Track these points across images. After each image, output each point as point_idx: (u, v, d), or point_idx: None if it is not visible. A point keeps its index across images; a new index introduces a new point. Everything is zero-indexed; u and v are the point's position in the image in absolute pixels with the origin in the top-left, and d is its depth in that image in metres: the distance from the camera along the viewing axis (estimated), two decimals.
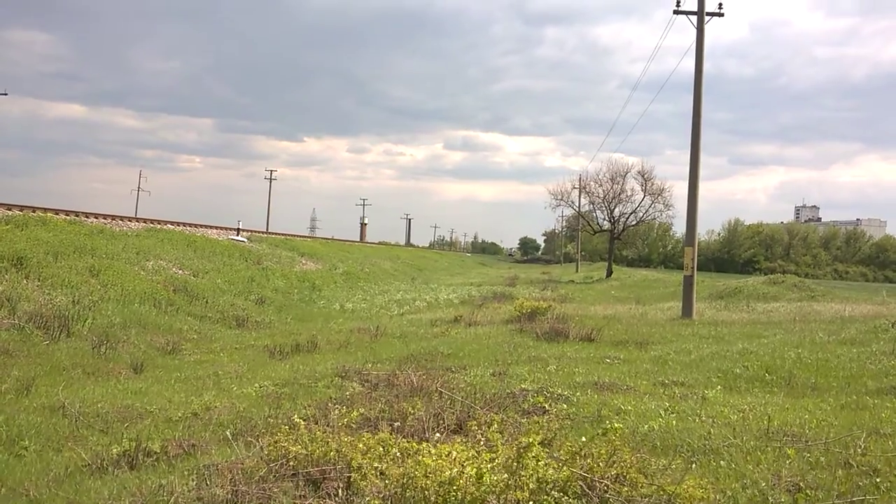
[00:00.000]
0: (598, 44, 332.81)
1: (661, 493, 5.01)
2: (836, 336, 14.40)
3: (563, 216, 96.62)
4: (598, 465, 5.22)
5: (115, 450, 6.80)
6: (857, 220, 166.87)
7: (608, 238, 60.80)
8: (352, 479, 5.00)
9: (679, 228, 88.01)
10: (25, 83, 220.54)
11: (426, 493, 4.53)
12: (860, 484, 5.63)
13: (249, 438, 6.81)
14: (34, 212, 25.70)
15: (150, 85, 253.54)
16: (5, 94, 52.57)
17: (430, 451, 5.01)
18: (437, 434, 5.84)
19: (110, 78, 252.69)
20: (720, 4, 21.98)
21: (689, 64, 22.21)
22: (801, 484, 5.62)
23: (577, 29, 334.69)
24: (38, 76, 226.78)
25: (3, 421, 8.09)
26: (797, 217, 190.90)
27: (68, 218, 26.45)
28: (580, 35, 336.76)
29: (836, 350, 12.58)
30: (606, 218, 58.55)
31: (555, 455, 5.30)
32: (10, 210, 24.70)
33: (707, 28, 21.68)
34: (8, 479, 6.27)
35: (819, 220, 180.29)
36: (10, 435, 7.70)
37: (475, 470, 4.68)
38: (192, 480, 5.34)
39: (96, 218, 29.61)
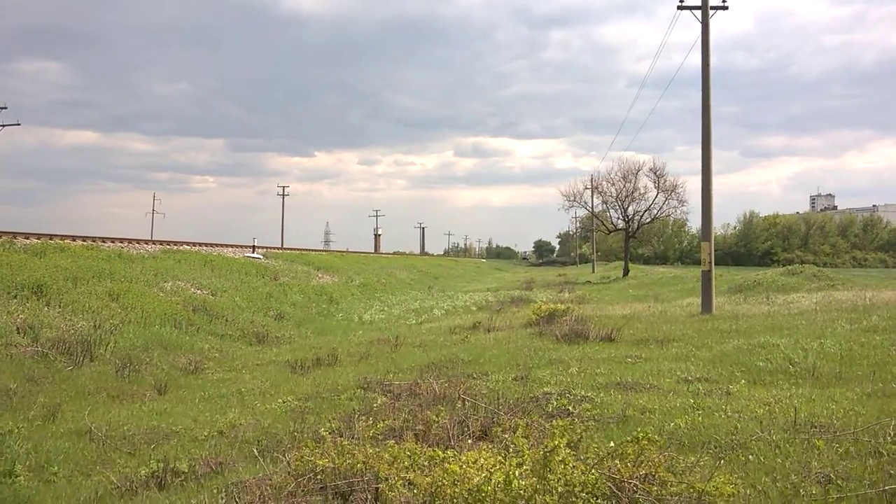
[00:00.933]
0: (604, 44, 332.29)
1: (691, 490, 4.99)
2: (859, 324, 14.28)
3: (576, 217, 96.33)
4: (626, 466, 5.21)
5: (143, 471, 6.84)
6: (874, 206, 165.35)
7: (623, 237, 60.61)
8: (380, 490, 5.00)
9: (694, 224, 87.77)
10: (38, 113, 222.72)
11: (455, 500, 4.53)
12: (891, 472, 5.57)
13: (276, 454, 6.83)
14: (52, 239, 25.95)
15: (161, 108, 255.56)
16: (18, 125, 53.11)
17: (457, 459, 5.02)
18: (469, 440, 5.83)
19: (121, 103, 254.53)
20: None
21: (696, 59, 22.22)
22: (831, 475, 5.57)
23: (582, 30, 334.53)
24: (50, 105, 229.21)
25: (31, 447, 8.16)
26: (813, 206, 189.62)
27: (85, 244, 26.70)
28: (585, 36, 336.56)
29: (859, 339, 12.47)
30: (620, 217, 58.44)
31: (582, 457, 5.29)
32: (27, 238, 24.95)
33: (712, 21, 21.60)
34: None
35: (835, 208, 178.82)
36: (39, 461, 7.76)
37: (503, 476, 4.67)
38: (222, 499, 5.37)
39: (113, 242, 29.86)
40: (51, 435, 8.96)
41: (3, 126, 51.13)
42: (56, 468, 7.60)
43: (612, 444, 5.61)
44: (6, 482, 7.01)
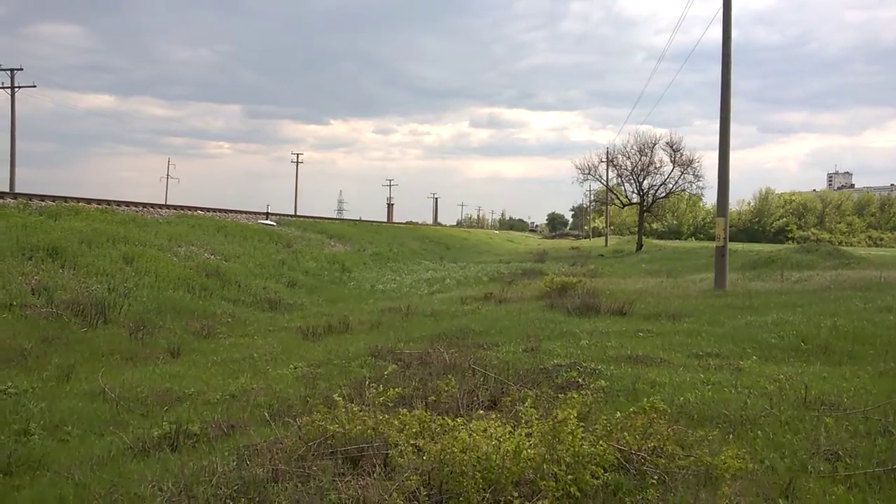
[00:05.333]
0: (624, 16, 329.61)
1: (699, 464, 5.00)
2: (873, 304, 14.20)
3: (590, 190, 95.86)
4: (635, 438, 5.23)
5: (155, 432, 6.91)
6: (892, 185, 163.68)
7: (637, 211, 60.35)
8: (389, 456, 5.04)
9: (709, 199, 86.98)
10: (56, 75, 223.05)
11: (464, 468, 4.56)
12: None
13: (287, 419, 6.88)
14: (66, 202, 26.10)
15: (178, 73, 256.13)
16: (34, 87, 53.28)
17: (466, 428, 5.04)
18: (481, 412, 5.85)
19: (138, 68, 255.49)
20: None
21: (716, 32, 21.89)
22: (840, 452, 5.57)
23: (602, 1, 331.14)
24: (68, 68, 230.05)
25: (45, 407, 8.26)
26: (830, 184, 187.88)
27: (100, 207, 26.84)
28: (605, 7, 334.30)
29: (873, 317, 12.41)
30: (635, 191, 58.06)
31: (590, 429, 5.31)
32: (43, 201, 25.10)
33: None
34: (53, 464, 6.40)
35: (852, 186, 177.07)
36: (53, 421, 7.85)
37: (513, 445, 4.70)
38: (233, 460, 5.42)
39: (127, 206, 29.99)
40: (65, 395, 9.06)
41: (20, 87, 51.23)
42: (70, 428, 7.68)
43: (618, 414, 5.63)
44: (21, 440, 7.10)
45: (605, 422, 5.44)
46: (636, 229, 64.84)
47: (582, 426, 5.10)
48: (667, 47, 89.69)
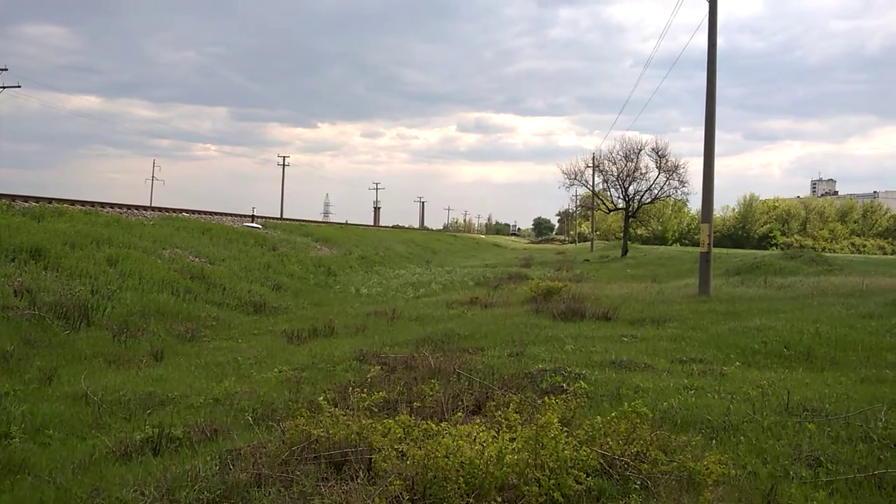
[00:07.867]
0: (612, 23, 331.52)
1: (682, 469, 5.03)
2: (855, 310, 14.31)
3: (576, 195, 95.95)
4: (618, 444, 5.24)
5: (138, 436, 6.87)
6: (875, 192, 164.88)
7: (623, 216, 60.45)
8: (373, 461, 5.03)
9: (694, 205, 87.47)
10: (42, 76, 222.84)
11: (447, 473, 4.56)
12: (881, 457, 5.62)
13: (271, 423, 6.87)
14: (50, 203, 25.91)
15: (165, 75, 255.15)
16: (19, 87, 52.92)
17: (449, 432, 5.04)
18: (460, 414, 5.86)
19: (126, 69, 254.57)
20: None
21: (703, 40, 21.97)
22: (821, 458, 5.62)
23: (591, 8, 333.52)
24: (55, 69, 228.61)
25: (27, 410, 8.19)
26: (813, 191, 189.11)
27: (84, 209, 26.66)
28: (593, 14, 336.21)
29: (855, 324, 12.51)
30: (621, 196, 58.11)
31: (574, 434, 5.33)
32: (26, 202, 24.92)
33: (720, 2, 21.44)
34: (34, 467, 6.35)
35: (836, 193, 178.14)
36: (35, 424, 7.79)
37: (496, 450, 4.70)
38: (216, 465, 5.40)
39: (112, 208, 29.82)
40: (47, 398, 8.99)
41: (4, 88, 50.85)
42: (52, 431, 7.63)
43: (598, 418, 5.64)
44: (2, 444, 7.04)
45: (588, 427, 5.46)
46: (622, 234, 64.99)
47: (566, 431, 5.11)
48: (653, 54, 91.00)
